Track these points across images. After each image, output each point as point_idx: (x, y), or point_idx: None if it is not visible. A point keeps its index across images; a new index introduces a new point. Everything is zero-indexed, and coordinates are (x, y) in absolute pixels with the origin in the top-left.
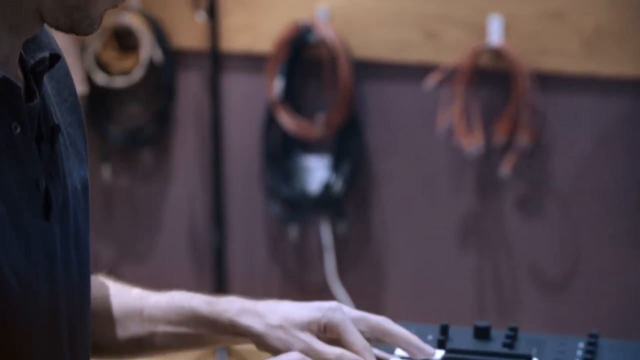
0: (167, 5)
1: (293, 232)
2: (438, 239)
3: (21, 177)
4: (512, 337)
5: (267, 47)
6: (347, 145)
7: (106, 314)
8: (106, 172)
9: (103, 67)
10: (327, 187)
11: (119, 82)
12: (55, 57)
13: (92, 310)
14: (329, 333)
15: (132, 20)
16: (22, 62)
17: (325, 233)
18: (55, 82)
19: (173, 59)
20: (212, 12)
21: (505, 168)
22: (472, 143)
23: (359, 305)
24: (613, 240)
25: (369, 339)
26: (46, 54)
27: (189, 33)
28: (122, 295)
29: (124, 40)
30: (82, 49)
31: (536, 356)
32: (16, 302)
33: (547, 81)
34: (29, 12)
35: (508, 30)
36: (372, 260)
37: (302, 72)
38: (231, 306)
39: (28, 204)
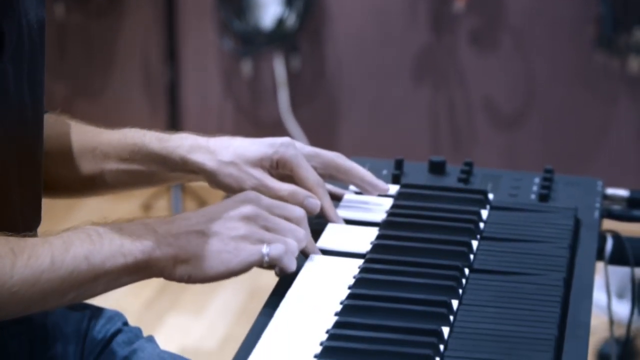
0: None
1: (246, 67)
2: (392, 74)
3: None
4: (467, 172)
5: None
6: None
7: (60, 153)
8: (59, 9)
9: None
10: (280, 22)
11: None
12: None
13: (46, 148)
14: (282, 169)
15: None
16: None
17: (279, 68)
18: None
19: None
20: None
21: (460, 2)
22: None
23: (312, 141)
24: (567, 75)
25: (322, 175)
26: None
27: None
28: (76, 133)
29: None
30: None
31: (491, 191)
32: None
33: None
34: None
35: None
36: (326, 95)
37: None
38: (183, 143)
39: None
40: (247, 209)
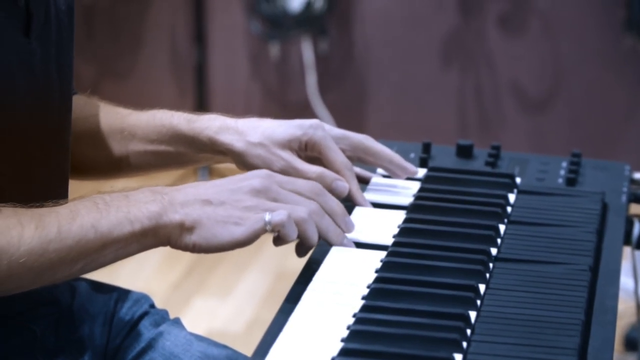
0: None
1: (274, 50)
2: (420, 57)
3: None
4: (494, 156)
5: None
6: None
7: (88, 134)
8: None
9: None
10: (308, 5)
11: None
12: None
13: (74, 130)
14: (310, 151)
15: None
16: None
17: (307, 51)
18: None
19: None
20: None
21: None
22: None
23: (340, 123)
24: (596, 59)
25: (350, 158)
26: None
27: None
28: (104, 114)
29: None
30: None
31: (519, 175)
32: None
33: None
34: None
35: None
36: (354, 78)
37: None
38: (211, 124)
39: (7, 19)
40: (256, 183)
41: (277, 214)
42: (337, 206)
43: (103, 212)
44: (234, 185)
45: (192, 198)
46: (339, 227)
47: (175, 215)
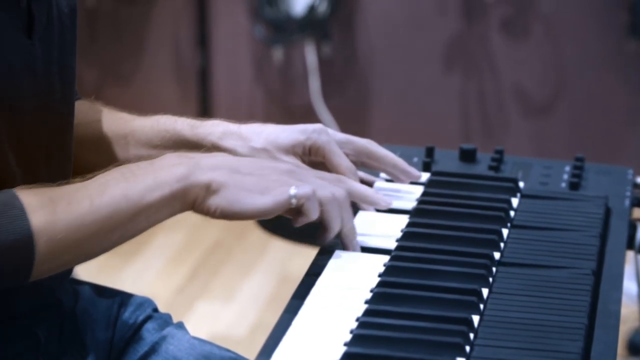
0: None
1: (278, 54)
2: (424, 61)
3: None
4: (498, 160)
5: None
6: None
7: (91, 139)
8: None
9: None
10: (311, 9)
11: None
12: None
13: (77, 135)
14: (314, 155)
15: None
16: None
17: (310, 55)
18: None
19: None
20: None
21: None
22: None
23: (343, 128)
24: (599, 63)
25: (354, 162)
26: None
27: None
28: (108, 120)
29: None
30: None
31: (522, 180)
32: None
33: None
34: None
35: None
36: (357, 82)
37: None
38: (215, 129)
39: (9, 20)
40: (284, 165)
41: (303, 188)
42: (365, 189)
43: (130, 180)
44: (261, 163)
45: (219, 163)
46: (375, 203)
47: (203, 177)
